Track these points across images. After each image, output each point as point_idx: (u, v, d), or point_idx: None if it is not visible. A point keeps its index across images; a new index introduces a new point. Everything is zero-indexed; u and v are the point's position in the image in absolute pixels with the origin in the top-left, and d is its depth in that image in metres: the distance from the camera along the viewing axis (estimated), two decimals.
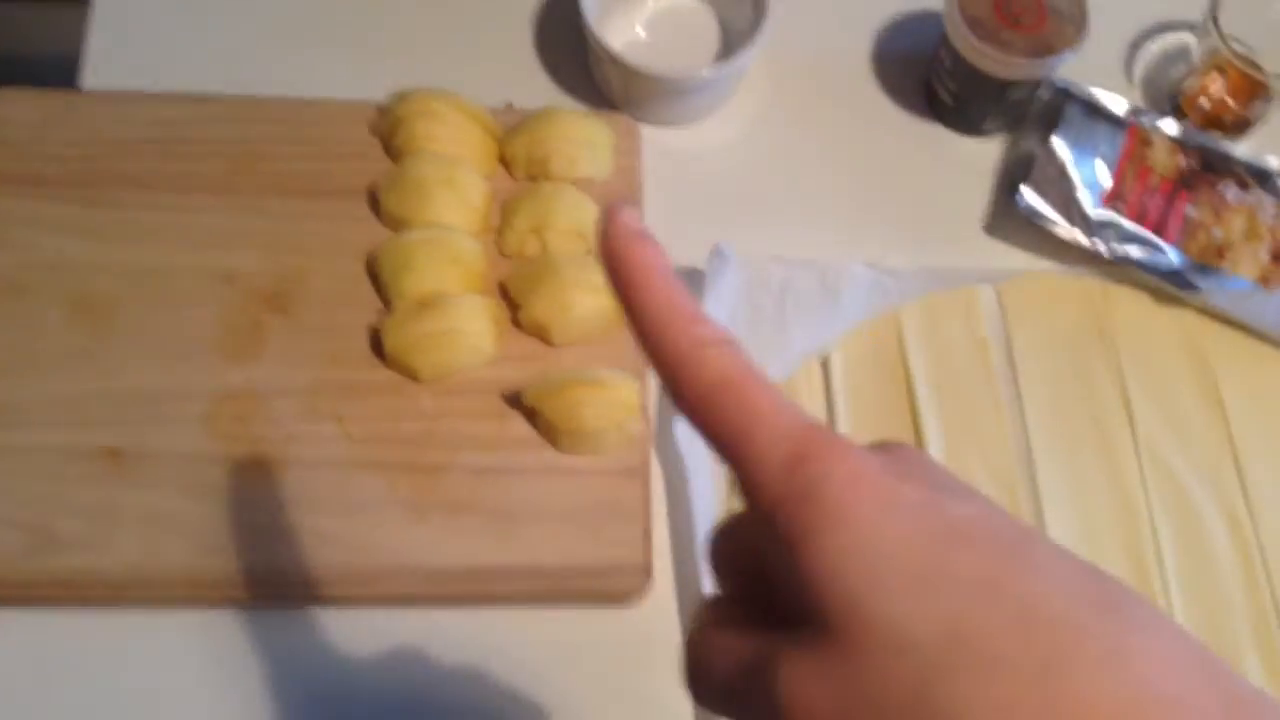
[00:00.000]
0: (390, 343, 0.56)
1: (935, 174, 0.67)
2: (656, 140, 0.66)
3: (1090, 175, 0.63)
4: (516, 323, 0.58)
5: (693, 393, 0.25)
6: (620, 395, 0.55)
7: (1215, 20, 0.63)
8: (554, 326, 0.57)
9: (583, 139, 0.61)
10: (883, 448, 0.26)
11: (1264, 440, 0.60)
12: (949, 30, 0.62)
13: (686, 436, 0.57)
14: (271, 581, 0.52)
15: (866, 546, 0.22)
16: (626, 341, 0.58)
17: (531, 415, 0.56)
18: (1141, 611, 0.23)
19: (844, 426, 0.59)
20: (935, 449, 0.58)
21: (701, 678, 0.26)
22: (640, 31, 0.68)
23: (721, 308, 0.59)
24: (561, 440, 0.55)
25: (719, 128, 0.67)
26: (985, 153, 0.68)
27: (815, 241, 0.63)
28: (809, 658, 0.23)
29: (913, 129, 0.68)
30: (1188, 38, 0.71)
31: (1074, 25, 0.62)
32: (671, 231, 0.62)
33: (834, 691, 0.22)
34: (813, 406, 0.59)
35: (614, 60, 0.62)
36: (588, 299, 0.57)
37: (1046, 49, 0.61)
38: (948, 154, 0.68)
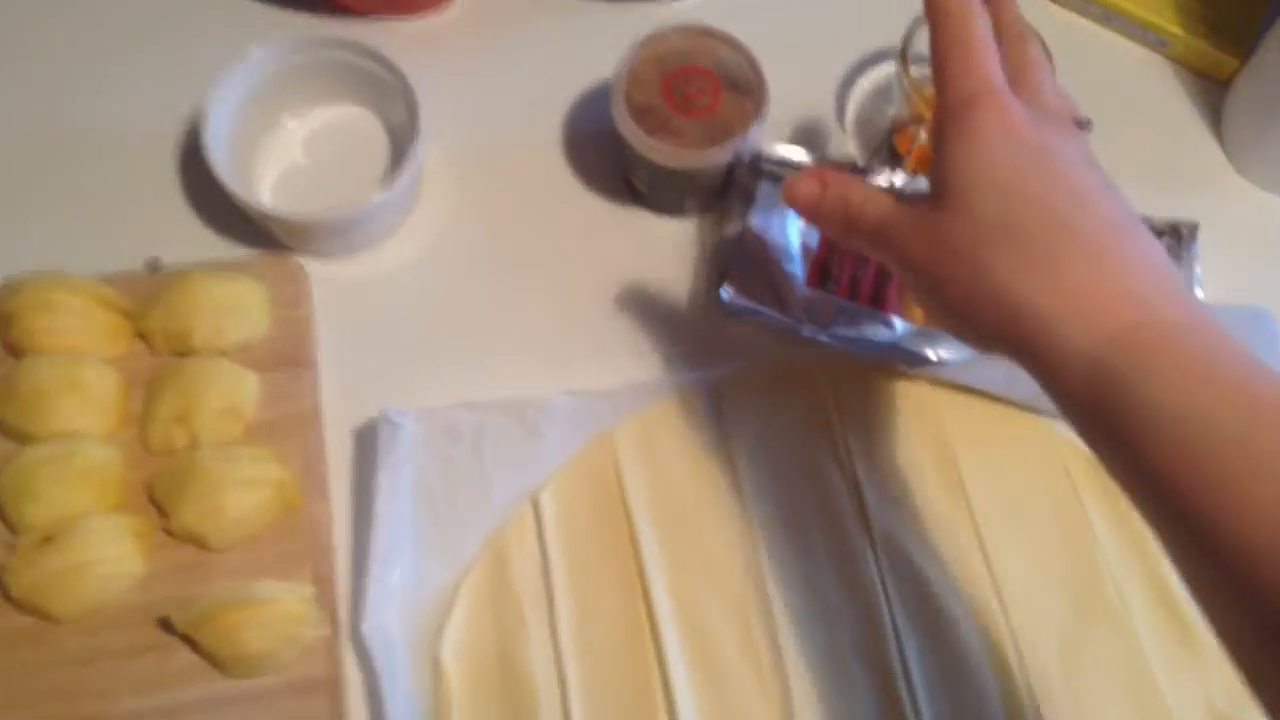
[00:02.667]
0: (17, 586, 0.49)
1: (645, 267, 0.61)
2: (327, 274, 0.59)
3: (794, 253, 0.58)
4: (168, 530, 0.52)
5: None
6: (285, 609, 0.49)
7: (904, 54, 0.58)
8: (208, 533, 0.51)
9: (228, 303, 0.55)
10: (1037, 103, 0.42)
11: (1010, 519, 0.56)
12: (618, 124, 0.56)
13: (376, 631, 0.51)
14: None
15: (983, 157, 0.39)
16: (299, 533, 0.52)
17: (191, 642, 0.50)
18: (1140, 241, 0.39)
19: (560, 576, 0.53)
20: (659, 587, 0.53)
21: (837, 210, 0.45)
22: (299, 154, 0.61)
23: (403, 473, 0.53)
24: (228, 667, 0.49)
25: (402, 246, 0.61)
26: (693, 234, 0.62)
27: (519, 369, 0.58)
28: (917, 213, 0.42)
29: (616, 217, 0.63)
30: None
31: (752, 99, 0.57)
32: (350, 383, 0.57)
33: (925, 234, 0.41)
34: (525, 558, 0.54)
35: (259, 211, 0.55)
36: (242, 497, 0.51)
37: (724, 131, 0.56)
38: (656, 241, 0.62)
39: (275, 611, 0.49)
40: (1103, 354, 0.36)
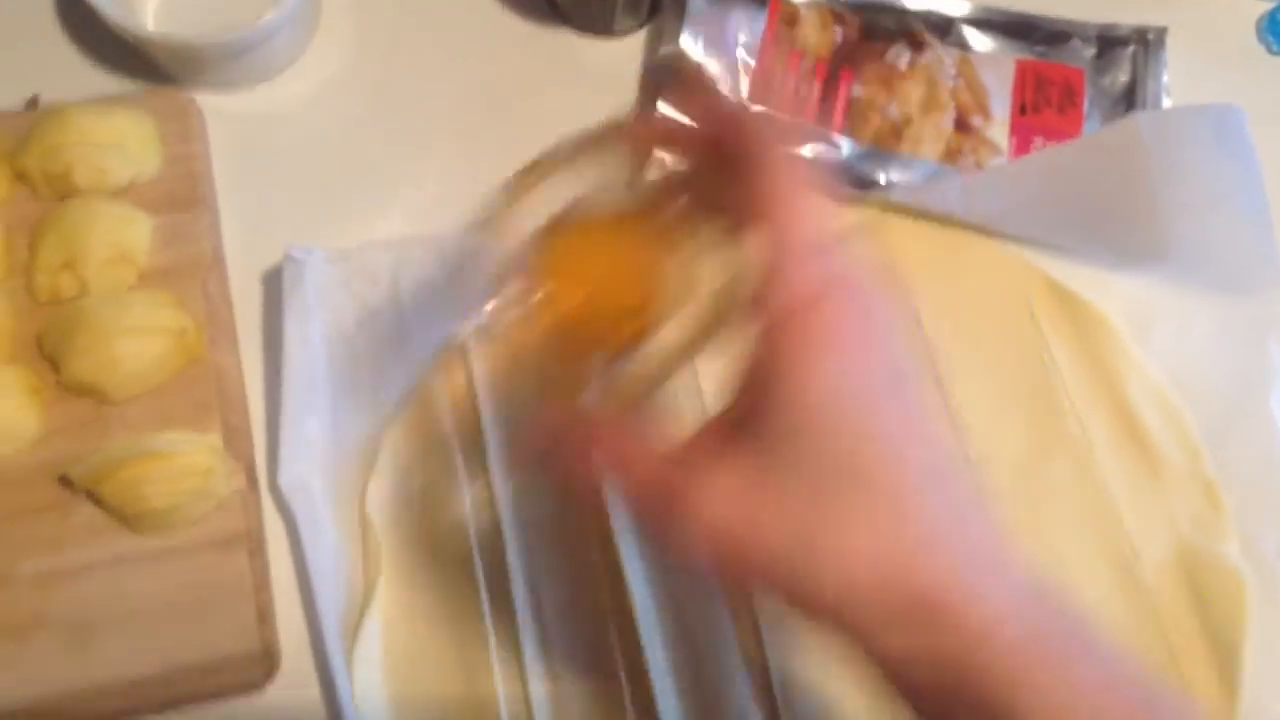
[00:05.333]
0: None
1: (572, 93, 0.56)
2: (223, 109, 0.54)
3: (733, 72, 0.54)
4: (63, 385, 0.48)
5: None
6: (190, 461, 0.46)
7: None
8: (105, 385, 0.47)
9: (110, 139, 0.50)
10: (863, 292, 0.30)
11: (967, 348, 0.53)
12: None
13: (294, 483, 0.48)
14: None
15: (831, 359, 0.29)
16: (204, 383, 0.49)
17: (95, 498, 0.46)
18: (962, 493, 0.30)
19: (490, 419, 0.50)
20: None
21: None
22: None
23: (313, 318, 0.50)
24: (134, 524, 0.46)
25: (304, 76, 0.56)
26: (626, 56, 0.58)
27: (435, 207, 0.54)
28: (737, 459, 0.29)
29: (540, 40, 0.58)
30: None
31: None
32: (254, 227, 0.53)
33: (752, 469, 0.29)
34: (452, 404, 0.51)
35: (139, 36, 0.50)
36: (139, 346, 0.47)
37: None
38: (584, 65, 0.57)
39: (180, 464, 0.45)
40: (951, 652, 0.28)
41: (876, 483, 0.28)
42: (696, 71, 0.32)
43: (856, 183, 0.54)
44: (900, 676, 0.28)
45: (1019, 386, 0.53)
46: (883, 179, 0.54)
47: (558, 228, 0.38)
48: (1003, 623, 0.27)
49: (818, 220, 0.30)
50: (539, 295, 0.38)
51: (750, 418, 0.30)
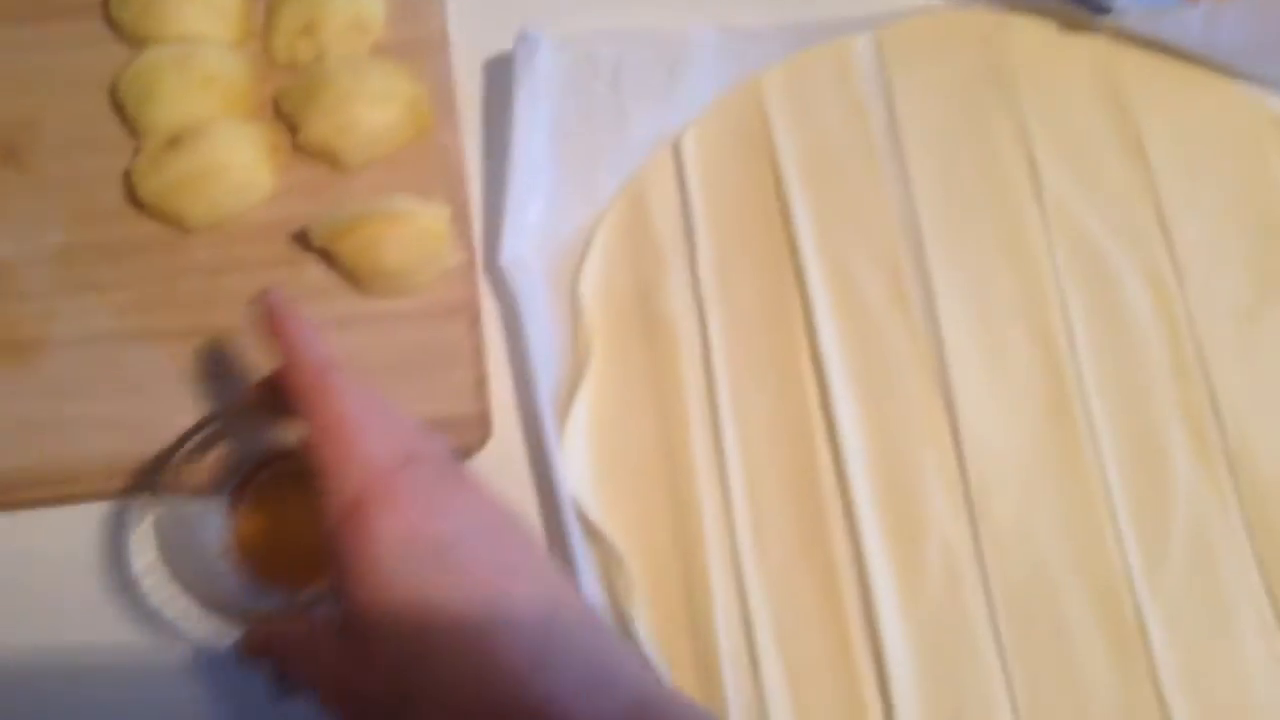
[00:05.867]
0: (144, 189, 0.47)
1: None
2: None
3: None
4: (299, 146, 0.49)
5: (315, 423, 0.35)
6: (424, 225, 0.47)
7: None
8: (340, 148, 0.48)
9: None
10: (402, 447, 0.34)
11: (1192, 186, 0.52)
12: None
13: (515, 263, 0.48)
14: (47, 480, 0.45)
15: (379, 578, 0.32)
16: (433, 157, 0.49)
17: (327, 257, 0.48)
18: (559, 627, 0.32)
19: (701, 223, 0.50)
20: (806, 237, 0.50)
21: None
22: None
23: (540, 102, 0.50)
24: (365, 283, 0.47)
25: None
26: None
27: (652, 3, 0.53)
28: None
29: None
30: None
31: None
32: (484, 8, 0.53)
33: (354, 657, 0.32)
34: (665, 202, 0.51)
35: None
36: (376, 112, 0.48)
37: None
38: None
39: (415, 227, 0.46)
40: None
41: (458, 644, 0.31)
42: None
43: (1091, 6, 0.52)
44: None
45: (1246, 230, 0.51)
46: (1115, 4, 0.52)
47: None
48: None
49: (340, 409, 0.34)
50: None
51: (343, 623, 0.33)
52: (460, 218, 0.49)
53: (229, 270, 0.48)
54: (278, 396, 0.37)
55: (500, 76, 0.51)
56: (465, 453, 0.47)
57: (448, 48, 0.52)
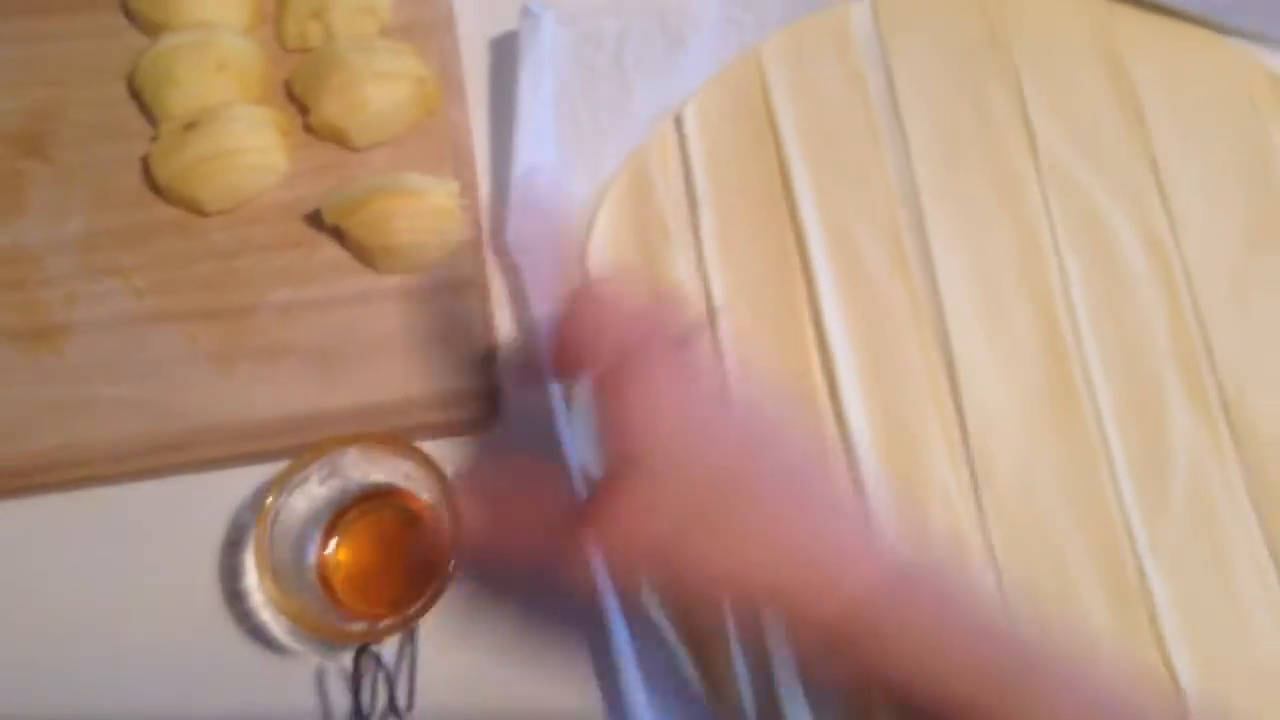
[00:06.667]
0: (162, 173, 0.48)
1: None
2: None
3: None
4: (310, 129, 0.50)
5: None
6: (433, 201, 0.48)
7: None
8: (350, 128, 0.49)
9: None
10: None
11: (1188, 144, 0.52)
12: None
13: (520, 236, 0.49)
14: (69, 461, 0.46)
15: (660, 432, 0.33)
16: (440, 135, 0.50)
17: (340, 236, 0.49)
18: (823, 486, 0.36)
19: (704, 192, 0.51)
20: (807, 204, 0.51)
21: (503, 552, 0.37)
22: None
23: (544, 77, 0.51)
24: (376, 260, 0.48)
25: None
26: None
27: None
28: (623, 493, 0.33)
29: None
30: None
31: None
32: None
33: (644, 510, 0.33)
34: (667, 173, 0.52)
35: None
36: (384, 91, 0.49)
37: None
38: None
39: (425, 203, 0.47)
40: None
41: (746, 494, 0.33)
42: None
43: None
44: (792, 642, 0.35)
45: (1241, 186, 0.52)
46: None
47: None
48: (875, 594, 0.32)
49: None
50: None
51: (617, 466, 0.33)
52: (468, 194, 0.50)
53: (245, 252, 0.49)
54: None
55: (506, 54, 0.52)
56: (476, 425, 0.48)
57: (454, 27, 0.53)
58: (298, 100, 0.50)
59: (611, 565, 0.34)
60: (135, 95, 0.50)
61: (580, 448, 0.47)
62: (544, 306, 0.49)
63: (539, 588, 0.40)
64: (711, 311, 0.49)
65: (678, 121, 0.53)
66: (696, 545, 0.32)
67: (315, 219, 0.49)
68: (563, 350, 0.36)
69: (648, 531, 0.32)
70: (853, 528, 0.35)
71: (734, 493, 0.33)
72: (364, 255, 0.48)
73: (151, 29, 0.51)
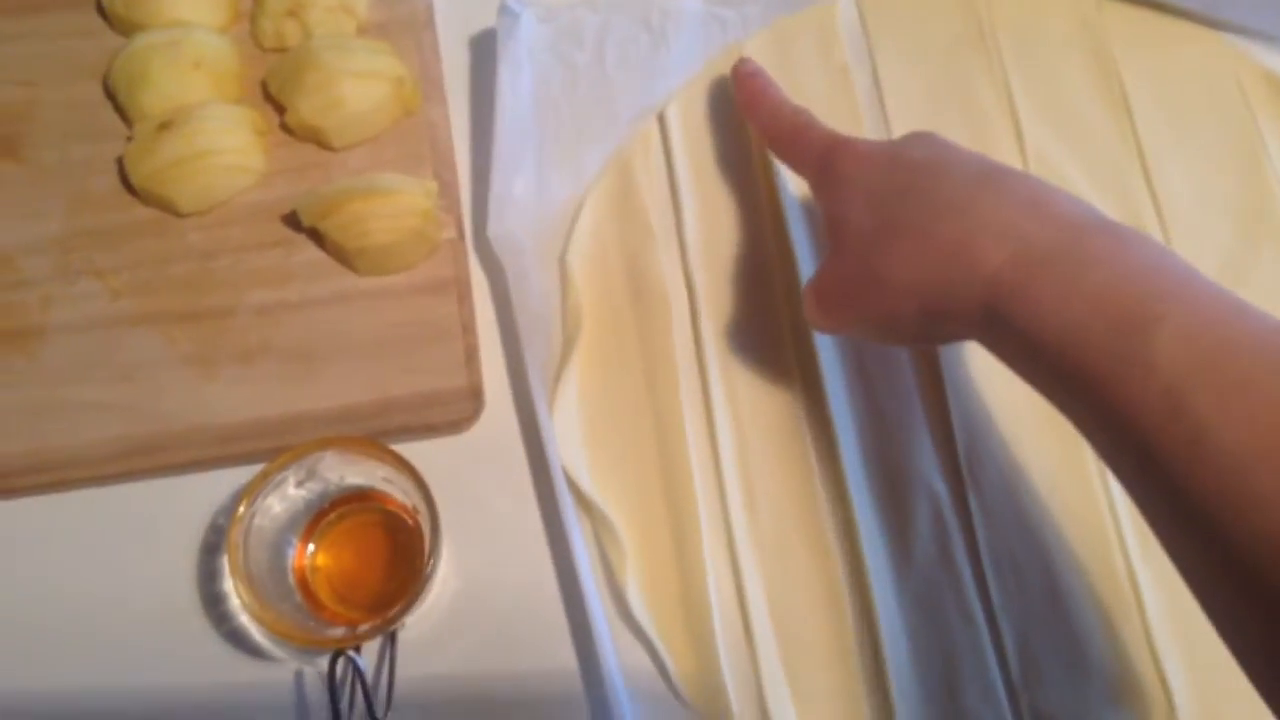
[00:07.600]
0: (137, 174, 0.48)
1: None
2: None
3: None
4: (287, 128, 0.50)
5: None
6: (410, 201, 0.47)
7: None
8: (328, 127, 0.49)
9: None
10: (900, 139, 0.42)
11: (1175, 136, 0.52)
12: None
13: (503, 236, 0.49)
14: (45, 466, 0.46)
15: (848, 187, 0.41)
16: (420, 135, 0.50)
17: (318, 237, 0.48)
18: (1004, 181, 0.37)
19: (687, 191, 0.51)
20: (791, 202, 0.50)
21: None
22: None
23: (524, 74, 0.50)
24: (355, 261, 0.48)
25: None
26: None
27: None
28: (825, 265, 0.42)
29: None
30: None
31: None
32: None
33: (832, 272, 0.41)
34: (650, 171, 0.51)
35: None
36: (361, 90, 0.48)
37: None
38: None
39: (402, 203, 0.47)
40: (988, 299, 0.35)
41: (901, 223, 0.38)
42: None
43: None
44: (974, 321, 0.36)
45: (1228, 174, 0.51)
46: None
47: None
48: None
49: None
50: None
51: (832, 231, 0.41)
52: (449, 193, 0.50)
53: (222, 253, 0.48)
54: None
55: (486, 52, 0.52)
56: (457, 425, 0.48)
57: (433, 25, 0.52)
58: (274, 100, 0.50)
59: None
60: (110, 95, 0.50)
61: (563, 446, 0.47)
62: (527, 304, 0.48)
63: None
64: (695, 311, 0.49)
65: (661, 119, 0.52)
66: (881, 262, 0.38)
67: (293, 219, 0.48)
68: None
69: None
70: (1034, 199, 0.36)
71: (911, 207, 0.38)
72: (341, 256, 0.48)
73: (127, 28, 0.50)
